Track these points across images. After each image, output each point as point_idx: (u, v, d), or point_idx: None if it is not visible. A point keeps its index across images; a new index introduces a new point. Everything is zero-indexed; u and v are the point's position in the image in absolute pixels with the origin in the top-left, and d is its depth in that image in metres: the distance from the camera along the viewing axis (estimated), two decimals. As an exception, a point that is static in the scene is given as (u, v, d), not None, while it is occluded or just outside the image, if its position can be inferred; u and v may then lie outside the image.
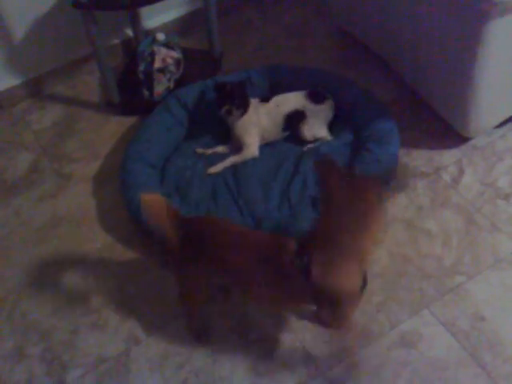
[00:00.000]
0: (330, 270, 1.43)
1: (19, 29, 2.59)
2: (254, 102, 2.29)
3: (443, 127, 2.32)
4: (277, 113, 2.27)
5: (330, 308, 1.53)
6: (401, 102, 2.46)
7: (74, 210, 2.29)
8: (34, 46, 2.66)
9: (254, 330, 1.87)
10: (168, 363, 1.83)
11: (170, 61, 2.58)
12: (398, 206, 2.14)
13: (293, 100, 2.29)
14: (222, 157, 2.28)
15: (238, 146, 2.29)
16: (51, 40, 2.69)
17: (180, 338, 1.88)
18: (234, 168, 2.25)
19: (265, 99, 2.32)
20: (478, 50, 1.91)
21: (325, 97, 2.30)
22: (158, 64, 2.56)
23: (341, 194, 1.41)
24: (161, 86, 2.58)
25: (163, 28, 2.86)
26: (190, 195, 2.17)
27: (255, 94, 2.36)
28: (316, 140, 2.26)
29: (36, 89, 2.77)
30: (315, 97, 2.29)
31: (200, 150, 2.33)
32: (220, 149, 2.32)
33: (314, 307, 1.66)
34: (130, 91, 2.65)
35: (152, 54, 2.57)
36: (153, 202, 1.57)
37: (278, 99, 2.31)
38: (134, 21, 2.78)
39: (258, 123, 2.26)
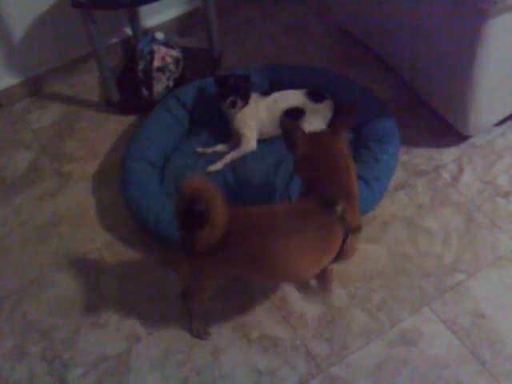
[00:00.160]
0: (354, 213, 1.67)
1: (19, 28, 2.59)
2: (254, 95, 2.30)
3: (443, 125, 2.33)
4: (276, 108, 2.28)
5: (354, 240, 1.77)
6: (400, 101, 2.47)
7: (73, 209, 2.29)
8: (34, 45, 2.66)
9: (254, 328, 1.88)
10: (169, 361, 1.83)
11: (169, 60, 2.58)
12: (397, 204, 2.14)
13: (292, 97, 2.29)
14: (221, 155, 2.28)
15: (237, 143, 2.30)
16: (50, 39, 2.68)
17: (181, 336, 1.88)
18: (234, 166, 2.25)
19: (265, 94, 2.33)
20: (477, 48, 1.92)
21: (324, 96, 2.30)
22: (157, 63, 2.55)
23: (313, 148, 1.68)
24: (160, 85, 2.58)
25: (162, 27, 2.86)
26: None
27: (255, 92, 2.36)
28: None
29: (35, 88, 2.77)
30: (315, 96, 2.29)
31: (200, 150, 2.33)
32: (220, 147, 2.32)
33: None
34: (129, 90, 2.65)
35: (151, 53, 2.57)
36: (204, 186, 1.49)
37: (277, 95, 2.31)
38: (133, 20, 2.77)
39: (256, 117, 2.27)
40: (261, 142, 2.31)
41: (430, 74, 2.25)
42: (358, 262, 1.99)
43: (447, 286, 1.91)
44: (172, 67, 2.59)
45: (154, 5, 2.40)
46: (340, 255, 1.75)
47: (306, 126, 2.23)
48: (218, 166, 2.25)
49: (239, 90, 2.24)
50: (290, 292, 1.94)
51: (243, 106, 2.26)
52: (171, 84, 2.60)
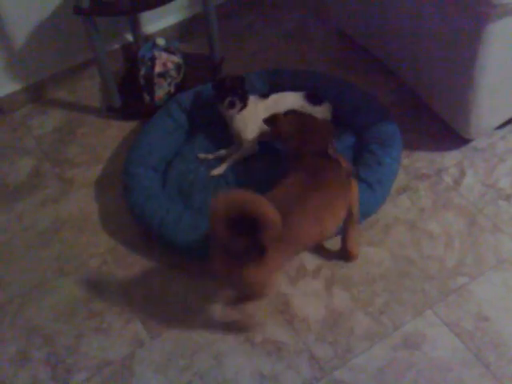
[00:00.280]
0: (343, 160, 1.92)
1: (20, 34, 2.59)
2: (252, 97, 2.30)
3: (444, 129, 2.33)
4: (275, 110, 2.28)
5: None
6: (401, 104, 2.47)
7: (76, 215, 2.29)
8: (35, 52, 2.67)
9: (258, 331, 1.88)
10: (172, 366, 1.83)
11: (170, 65, 2.59)
12: (400, 207, 2.14)
13: (291, 99, 2.30)
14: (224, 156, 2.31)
15: (238, 147, 2.31)
16: (52, 45, 2.69)
17: (184, 340, 1.88)
18: (236, 170, 2.25)
19: (263, 96, 2.33)
20: (478, 51, 1.93)
21: (322, 99, 2.32)
22: (158, 68, 2.56)
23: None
24: (161, 91, 2.59)
25: (163, 33, 2.87)
26: (193, 199, 2.18)
27: (254, 94, 2.37)
28: None
29: (37, 94, 2.78)
30: (313, 98, 2.31)
31: (202, 156, 2.33)
32: (222, 152, 2.33)
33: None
34: (130, 96, 2.66)
35: (152, 59, 2.57)
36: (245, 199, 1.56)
37: (276, 97, 2.32)
38: (135, 26, 2.79)
39: (256, 119, 2.26)
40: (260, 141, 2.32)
41: (431, 77, 2.26)
42: (360, 265, 2.00)
43: (450, 289, 1.91)
44: (173, 73, 2.60)
45: (154, 11, 2.41)
46: (344, 252, 1.97)
47: None
48: (221, 169, 2.26)
49: (236, 90, 2.25)
50: (292, 296, 1.94)
51: (242, 108, 2.26)
52: (172, 89, 2.60)
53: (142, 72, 2.57)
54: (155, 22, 2.89)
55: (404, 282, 1.94)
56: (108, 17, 2.54)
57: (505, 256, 1.97)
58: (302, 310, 1.91)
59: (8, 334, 1.97)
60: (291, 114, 2.09)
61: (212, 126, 2.43)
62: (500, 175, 2.20)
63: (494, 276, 1.92)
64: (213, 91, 2.32)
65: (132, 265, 2.10)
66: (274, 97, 2.32)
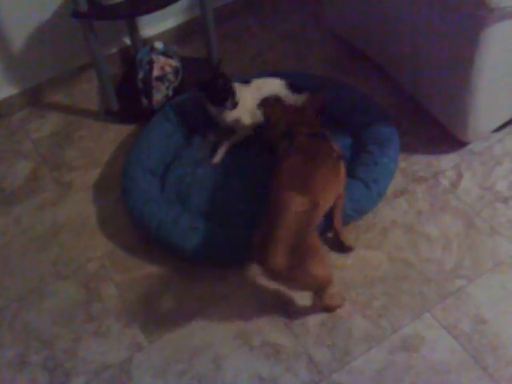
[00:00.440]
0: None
1: (17, 38, 2.60)
2: (236, 84, 2.31)
3: (441, 132, 2.34)
4: (259, 94, 2.31)
5: None
6: (399, 108, 2.48)
7: (74, 218, 2.29)
8: (33, 55, 2.67)
9: (256, 335, 1.88)
10: (171, 370, 1.83)
11: (168, 69, 2.59)
12: (397, 210, 2.15)
13: (273, 85, 2.33)
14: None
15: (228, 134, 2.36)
16: (50, 49, 2.70)
17: (182, 344, 1.88)
18: (230, 169, 2.28)
19: (245, 82, 2.35)
20: (475, 55, 1.93)
21: (303, 89, 2.34)
22: (156, 72, 2.57)
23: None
24: (159, 94, 2.59)
25: (161, 36, 2.88)
26: (191, 201, 2.18)
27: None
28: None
29: (35, 98, 2.78)
30: (294, 87, 2.34)
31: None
32: (211, 137, 2.38)
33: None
34: (128, 99, 2.66)
35: (150, 63, 2.58)
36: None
37: (259, 82, 2.34)
38: (132, 30, 2.79)
39: (245, 106, 2.30)
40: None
41: (429, 80, 2.27)
42: (358, 268, 2.00)
43: (448, 292, 1.91)
44: (171, 76, 2.60)
45: (152, 15, 2.42)
46: (340, 244, 2.05)
47: None
48: (218, 156, 2.30)
49: (229, 89, 2.26)
50: (291, 299, 1.94)
51: (235, 106, 2.28)
52: (170, 93, 2.61)
53: (140, 76, 2.58)
54: (153, 26, 2.90)
55: (402, 284, 1.95)
56: (106, 21, 2.54)
57: (502, 258, 1.97)
58: (301, 313, 1.91)
59: (6, 338, 1.96)
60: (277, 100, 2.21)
61: (210, 128, 2.43)
62: (497, 178, 2.20)
63: (492, 278, 1.93)
64: (202, 94, 2.32)
65: (130, 268, 2.10)
66: (256, 82, 2.34)
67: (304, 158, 1.90)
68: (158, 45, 2.63)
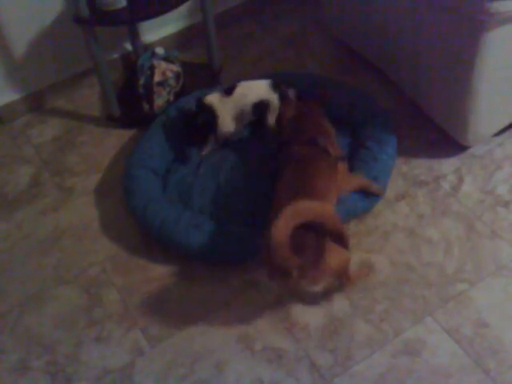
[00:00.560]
0: (334, 147, 2.09)
1: (19, 44, 2.61)
2: (217, 96, 2.32)
3: (442, 136, 2.34)
4: (244, 103, 2.32)
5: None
6: (399, 111, 2.48)
7: (76, 223, 2.30)
8: (35, 61, 2.68)
9: (258, 339, 1.88)
10: (172, 374, 1.83)
11: (169, 74, 2.60)
12: (398, 214, 2.15)
13: (257, 90, 2.33)
14: (221, 158, 2.35)
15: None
16: (51, 54, 2.71)
17: (184, 349, 1.88)
18: (230, 170, 2.30)
19: (228, 90, 2.34)
20: (476, 59, 1.94)
21: (287, 87, 2.35)
22: (157, 78, 2.57)
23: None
24: (161, 100, 2.60)
25: (162, 42, 2.89)
26: (193, 201, 2.21)
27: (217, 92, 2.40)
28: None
29: (36, 103, 2.79)
30: (278, 87, 2.34)
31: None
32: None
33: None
34: (130, 105, 2.67)
35: (152, 68, 2.59)
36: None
37: (242, 89, 2.33)
38: (134, 35, 2.80)
39: (228, 117, 2.32)
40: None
41: (429, 84, 2.27)
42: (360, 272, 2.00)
43: (450, 296, 1.91)
44: (172, 82, 2.61)
45: (154, 20, 2.43)
46: None
47: (270, 117, 2.32)
48: (207, 149, 2.35)
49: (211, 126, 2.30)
50: (293, 303, 1.94)
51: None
52: (172, 98, 2.61)
53: (142, 81, 2.59)
54: (154, 32, 2.91)
55: (404, 288, 1.95)
56: (107, 26, 2.55)
57: (504, 262, 1.97)
58: (302, 317, 1.91)
59: (8, 343, 1.96)
60: (302, 102, 2.24)
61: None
62: (498, 182, 2.20)
63: (494, 282, 1.93)
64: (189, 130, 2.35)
65: (131, 273, 2.10)
66: (240, 90, 2.33)
67: (298, 168, 1.97)
68: (160, 50, 2.64)
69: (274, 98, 2.31)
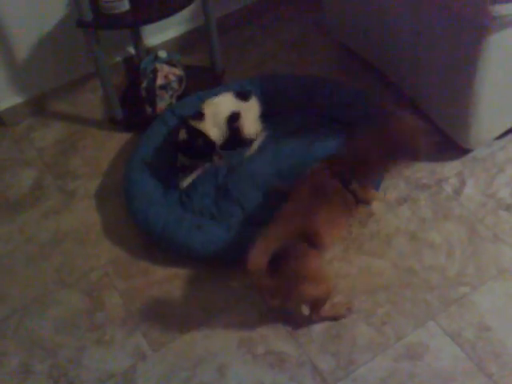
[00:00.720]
0: (366, 192, 1.99)
1: (22, 47, 2.61)
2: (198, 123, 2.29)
3: (444, 139, 2.34)
4: (217, 121, 2.31)
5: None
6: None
7: (78, 226, 2.30)
8: (37, 64, 2.68)
9: (260, 343, 1.87)
10: (174, 378, 1.83)
11: (172, 78, 2.61)
12: (401, 218, 2.15)
13: (225, 105, 2.34)
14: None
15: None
16: (54, 58, 2.71)
17: (186, 352, 1.88)
18: (233, 172, 2.30)
19: (197, 116, 2.30)
20: (477, 62, 1.94)
21: (249, 95, 2.38)
22: (160, 81, 2.58)
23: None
24: (163, 103, 2.60)
25: (165, 46, 2.89)
26: (193, 203, 2.21)
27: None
28: (254, 138, 2.38)
29: (39, 106, 2.79)
30: (242, 95, 2.37)
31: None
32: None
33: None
34: (132, 108, 2.67)
35: (154, 71, 2.60)
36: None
37: (211, 109, 2.31)
38: (136, 39, 2.80)
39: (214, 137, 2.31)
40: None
41: (431, 88, 2.27)
42: (362, 276, 2.00)
43: (452, 300, 1.91)
44: (175, 85, 2.62)
45: (156, 24, 2.44)
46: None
47: (246, 126, 2.34)
48: (188, 180, 2.31)
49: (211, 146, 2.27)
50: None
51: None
52: (174, 101, 2.62)
53: (144, 84, 2.59)
54: (157, 35, 2.91)
55: (406, 292, 1.94)
56: (110, 30, 2.56)
57: (506, 266, 1.97)
58: (304, 321, 1.91)
59: (10, 347, 1.96)
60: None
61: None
62: (500, 185, 2.20)
63: (496, 286, 1.93)
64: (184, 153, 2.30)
65: (133, 276, 2.10)
66: (209, 111, 2.31)
67: (315, 194, 1.87)
68: (162, 54, 2.65)
69: (240, 105, 2.34)
